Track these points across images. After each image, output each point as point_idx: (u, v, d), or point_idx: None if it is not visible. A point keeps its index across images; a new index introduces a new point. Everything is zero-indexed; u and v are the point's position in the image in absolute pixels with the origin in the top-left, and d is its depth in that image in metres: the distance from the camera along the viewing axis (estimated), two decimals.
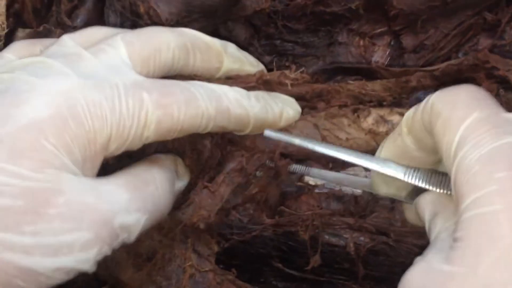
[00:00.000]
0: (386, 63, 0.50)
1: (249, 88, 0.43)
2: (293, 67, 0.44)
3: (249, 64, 0.45)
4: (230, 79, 0.43)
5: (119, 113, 0.34)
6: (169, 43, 0.39)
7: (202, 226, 0.42)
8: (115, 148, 0.35)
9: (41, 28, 0.46)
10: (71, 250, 0.31)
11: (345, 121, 0.42)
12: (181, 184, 0.41)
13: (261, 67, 0.46)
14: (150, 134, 0.35)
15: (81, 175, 0.33)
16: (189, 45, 0.40)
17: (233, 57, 0.43)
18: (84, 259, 0.31)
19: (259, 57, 0.52)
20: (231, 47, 0.44)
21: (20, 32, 0.46)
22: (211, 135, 0.42)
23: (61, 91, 0.33)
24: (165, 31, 0.40)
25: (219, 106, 0.37)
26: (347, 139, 0.42)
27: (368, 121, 0.42)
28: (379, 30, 0.51)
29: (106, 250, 0.33)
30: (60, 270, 0.31)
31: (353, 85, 0.44)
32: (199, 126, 0.37)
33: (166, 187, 0.38)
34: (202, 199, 0.42)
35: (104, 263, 0.35)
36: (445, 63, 0.46)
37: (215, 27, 0.50)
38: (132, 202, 0.34)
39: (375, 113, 0.42)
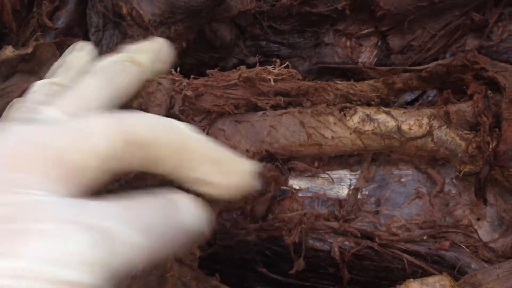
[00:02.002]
0: (373, 64, 0.50)
1: (230, 86, 0.42)
2: (277, 61, 0.42)
3: None
4: (211, 77, 0.42)
5: None
6: None
7: None
8: None
9: (30, 48, 0.45)
10: None
11: (331, 119, 0.41)
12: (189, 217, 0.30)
13: None
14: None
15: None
16: None
17: None
18: None
19: (244, 58, 0.52)
20: None
21: (8, 50, 0.45)
22: None
23: None
24: None
25: None
26: (332, 137, 0.41)
27: (354, 120, 0.41)
28: (365, 31, 0.50)
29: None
30: None
31: (342, 84, 0.43)
32: None
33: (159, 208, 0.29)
34: None
35: None
36: (434, 63, 0.45)
37: (199, 28, 0.50)
38: None
39: (361, 111, 0.41)
